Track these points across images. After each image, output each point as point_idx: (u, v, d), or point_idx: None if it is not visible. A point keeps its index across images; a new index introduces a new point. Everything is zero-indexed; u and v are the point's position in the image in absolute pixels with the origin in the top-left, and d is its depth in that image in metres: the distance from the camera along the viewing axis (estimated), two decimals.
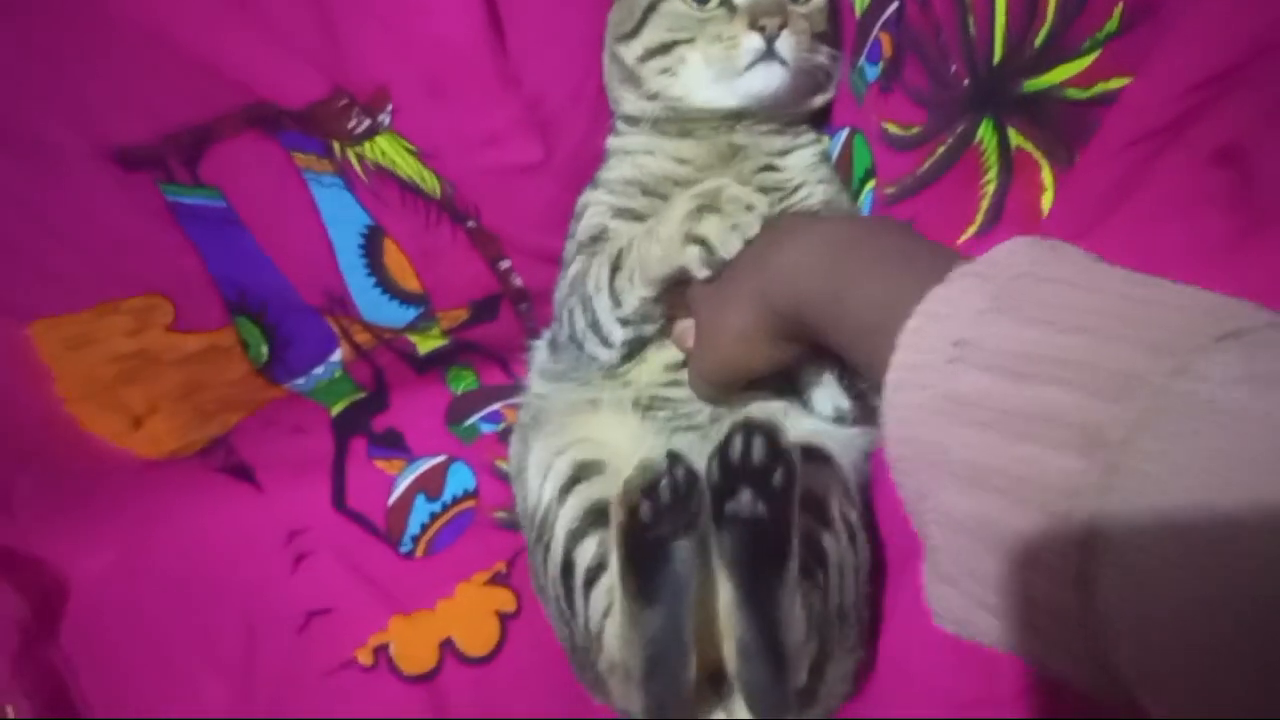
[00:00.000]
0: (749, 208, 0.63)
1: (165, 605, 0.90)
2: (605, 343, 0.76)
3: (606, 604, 0.70)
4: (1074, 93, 0.56)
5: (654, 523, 0.64)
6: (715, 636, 0.70)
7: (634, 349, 0.77)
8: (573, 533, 0.73)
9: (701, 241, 0.63)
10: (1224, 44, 0.48)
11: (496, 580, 0.94)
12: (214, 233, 0.87)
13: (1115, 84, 0.54)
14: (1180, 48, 0.50)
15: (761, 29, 0.74)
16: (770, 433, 0.63)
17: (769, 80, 0.77)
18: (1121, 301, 0.36)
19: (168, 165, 0.83)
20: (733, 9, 0.77)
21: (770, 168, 0.82)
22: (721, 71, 0.77)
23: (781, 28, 0.74)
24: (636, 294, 0.71)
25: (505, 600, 0.92)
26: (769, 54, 0.75)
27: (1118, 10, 0.52)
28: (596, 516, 0.72)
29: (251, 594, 0.91)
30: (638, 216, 0.79)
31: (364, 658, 0.88)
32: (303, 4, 0.79)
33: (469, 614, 0.91)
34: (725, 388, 0.70)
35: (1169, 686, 0.32)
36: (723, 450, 0.64)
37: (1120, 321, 0.34)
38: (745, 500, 0.63)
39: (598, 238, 0.81)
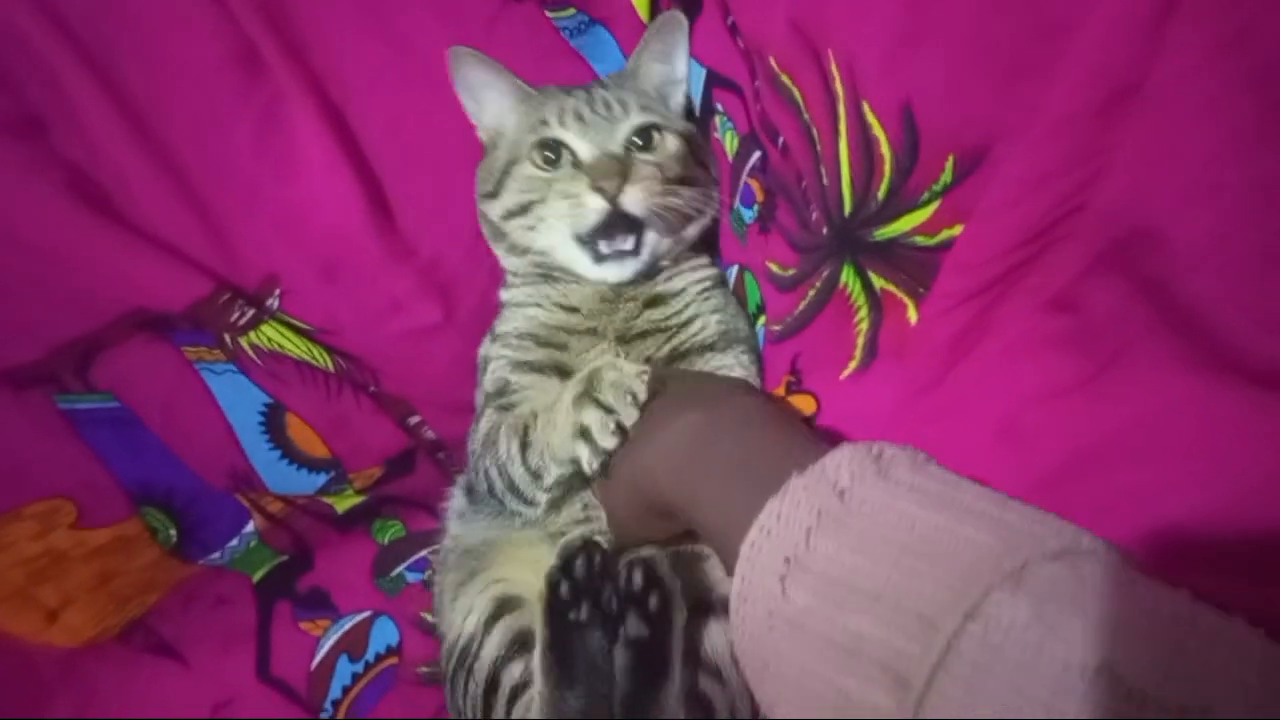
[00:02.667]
0: (628, 394, 0.65)
1: None
2: (530, 503, 0.77)
3: (528, 706, 0.71)
4: (922, 239, 0.58)
5: (573, 599, 0.64)
6: None
7: (558, 500, 0.77)
8: (499, 659, 0.74)
9: (585, 433, 0.66)
10: (1040, 206, 0.50)
11: None
12: (111, 434, 0.89)
13: (958, 230, 0.55)
14: (1000, 208, 0.52)
15: (601, 190, 0.76)
16: (648, 565, 0.64)
17: (622, 271, 0.80)
18: (926, 531, 0.38)
19: (59, 378, 0.85)
20: (579, 165, 0.79)
21: (658, 300, 0.83)
22: (574, 228, 0.79)
23: (623, 184, 0.76)
24: (553, 473, 0.73)
25: None
26: (616, 213, 0.77)
27: (949, 163, 0.54)
28: (521, 645, 0.74)
29: None
30: (537, 369, 0.81)
31: None
32: (183, 207, 0.81)
33: None
34: (640, 538, 0.73)
35: None
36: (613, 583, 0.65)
37: (924, 559, 0.37)
38: (630, 623, 0.64)
39: (502, 391, 0.82)
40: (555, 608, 0.66)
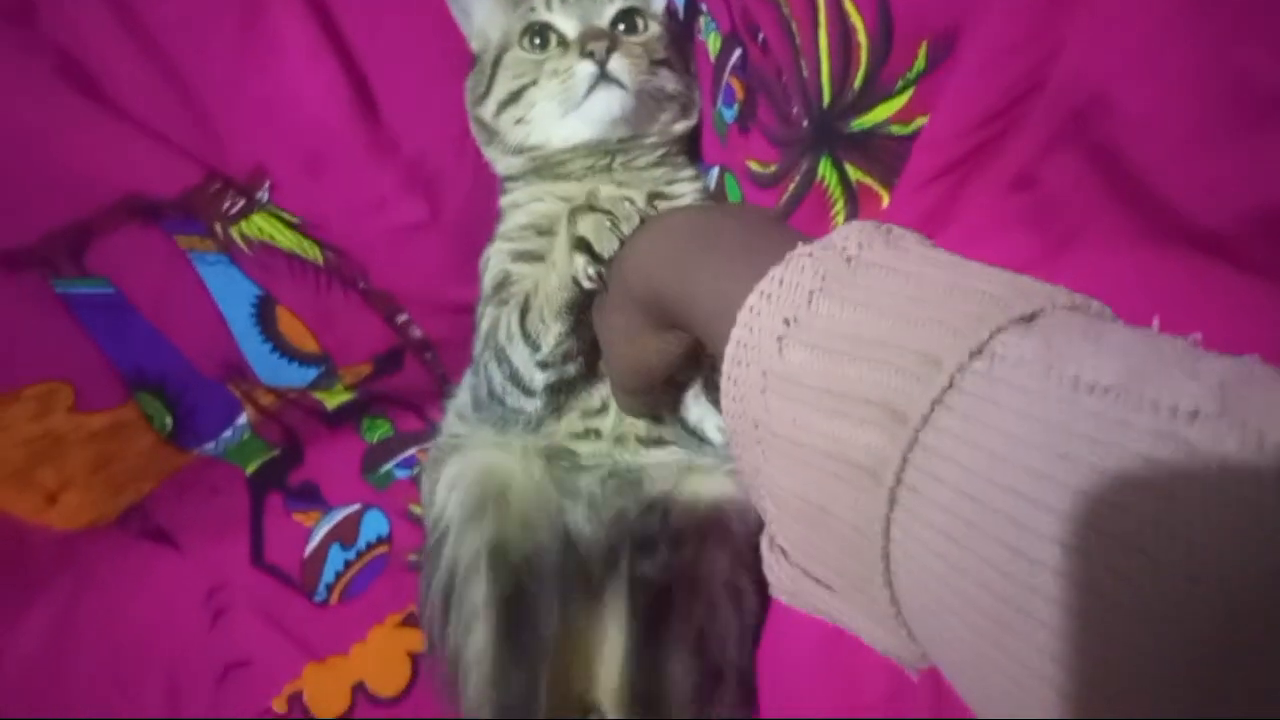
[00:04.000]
0: (627, 200, 0.63)
1: (92, 666, 0.93)
2: (527, 392, 0.76)
3: (475, 649, 0.73)
4: (897, 129, 0.59)
5: (532, 590, 0.68)
6: (593, 681, 0.74)
7: (557, 395, 0.77)
8: (468, 566, 0.75)
9: (583, 244, 0.63)
10: (1000, 84, 0.52)
11: (408, 621, 0.97)
12: (106, 318, 0.91)
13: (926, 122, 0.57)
14: (964, 88, 0.53)
15: (591, 54, 0.77)
16: (664, 505, 0.67)
17: (609, 103, 0.79)
18: (934, 286, 0.36)
19: (54, 261, 0.87)
20: (566, 45, 0.80)
21: (659, 197, 0.84)
22: (565, 104, 0.79)
23: (610, 51, 0.77)
24: (551, 331, 0.71)
25: (416, 640, 0.96)
26: (604, 77, 0.78)
27: (922, 50, 0.55)
28: (491, 558, 0.74)
29: (174, 650, 0.94)
30: (537, 257, 0.81)
31: (279, 706, 0.91)
32: (173, 98, 0.83)
33: (381, 656, 0.95)
34: (642, 394, 0.69)
35: (939, 646, 0.34)
36: (617, 519, 0.68)
37: (930, 305, 0.35)
38: (637, 561, 0.66)
39: (502, 284, 0.82)
40: (508, 595, 0.70)
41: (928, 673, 0.60)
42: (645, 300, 0.56)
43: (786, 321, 0.38)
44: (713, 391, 0.73)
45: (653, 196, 0.83)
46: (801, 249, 0.41)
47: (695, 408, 0.76)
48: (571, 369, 0.75)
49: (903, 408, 0.33)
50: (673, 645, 0.69)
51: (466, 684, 0.74)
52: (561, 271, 0.67)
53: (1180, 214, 0.47)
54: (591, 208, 0.63)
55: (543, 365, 0.74)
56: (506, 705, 0.70)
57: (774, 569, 0.43)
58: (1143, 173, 0.48)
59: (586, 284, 0.64)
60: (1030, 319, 0.33)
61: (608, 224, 0.61)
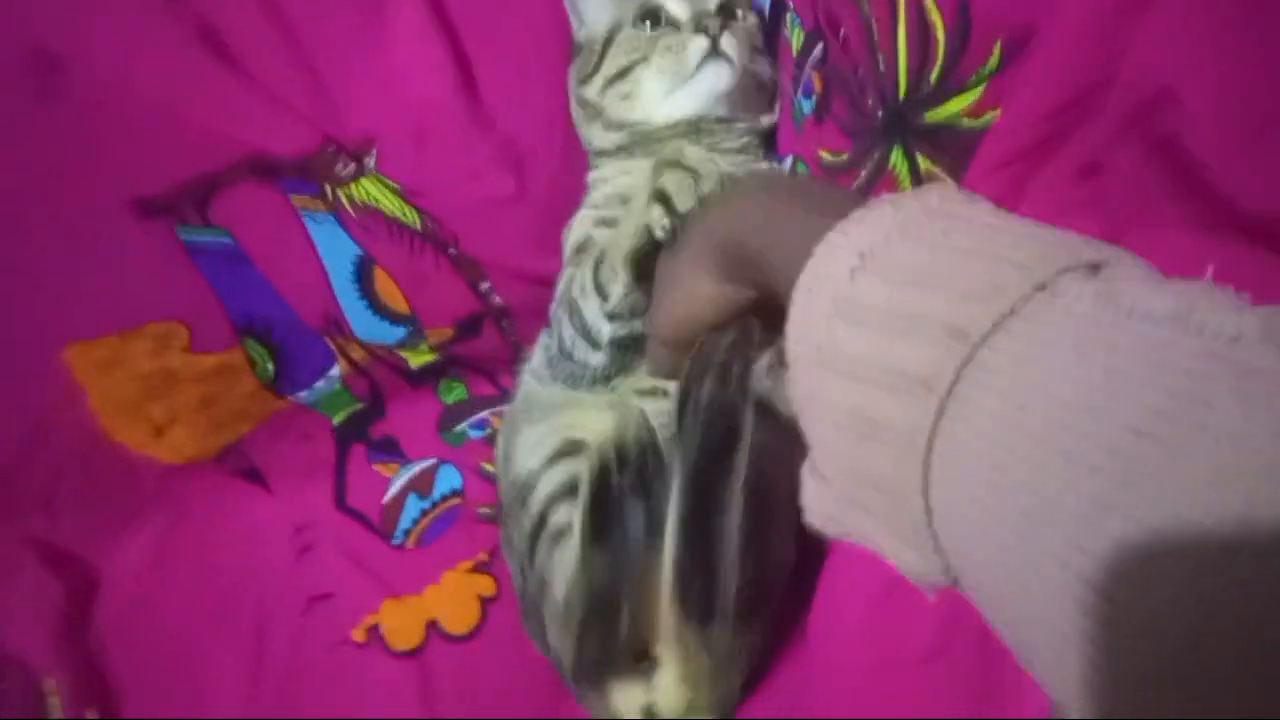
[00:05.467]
0: (711, 161, 0.67)
1: (187, 592, 1.01)
2: (595, 344, 0.80)
3: (566, 558, 0.77)
4: (968, 122, 0.62)
5: (619, 472, 0.70)
6: (651, 618, 0.75)
7: (623, 352, 0.80)
8: (551, 495, 0.79)
9: (663, 196, 0.65)
10: (1072, 79, 0.55)
11: (479, 568, 1.03)
12: (224, 267, 0.98)
13: (999, 114, 0.60)
14: (1036, 83, 0.57)
15: (705, 30, 0.83)
16: (739, 335, 0.64)
17: (718, 76, 0.85)
18: (1006, 234, 0.38)
19: (181, 210, 0.94)
20: (678, 25, 0.86)
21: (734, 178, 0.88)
22: (674, 78, 0.85)
23: (722, 29, 0.83)
24: (619, 280, 0.73)
25: (486, 585, 1.02)
26: (715, 52, 0.83)
27: (997, 47, 0.59)
28: (572, 489, 0.78)
29: (262, 581, 1.02)
30: (618, 224, 0.84)
31: (358, 635, 0.98)
32: (297, 67, 0.90)
33: (453, 597, 1.01)
34: (676, 348, 0.66)
35: (967, 558, 0.35)
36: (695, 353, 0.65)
37: (1002, 247, 0.36)
38: (706, 387, 0.64)
39: (582, 247, 0.86)
40: (601, 477, 0.71)
41: (970, 642, 0.64)
42: (725, 243, 0.56)
43: (861, 255, 0.39)
44: (778, 368, 0.75)
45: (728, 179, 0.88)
46: (885, 197, 0.43)
47: (766, 378, 0.80)
48: (638, 325, 0.77)
49: (964, 327, 0.34)
50: (730, 500, 0.68)
51: (551, 606, 0.78)
52: (638, 219, 0.69)
53: (1239, 205, 0.50)
54: (678, 163, 0.66)
55: (610, 316, 0.77)
56: (594, 594, 0.72)
57: (813, 494, 0.45)
58: (1204, 164, 0.51)
59: (659, 234, 0.65)
60: (1096, 268, 0.35)
61: (690, 181, 0.65)
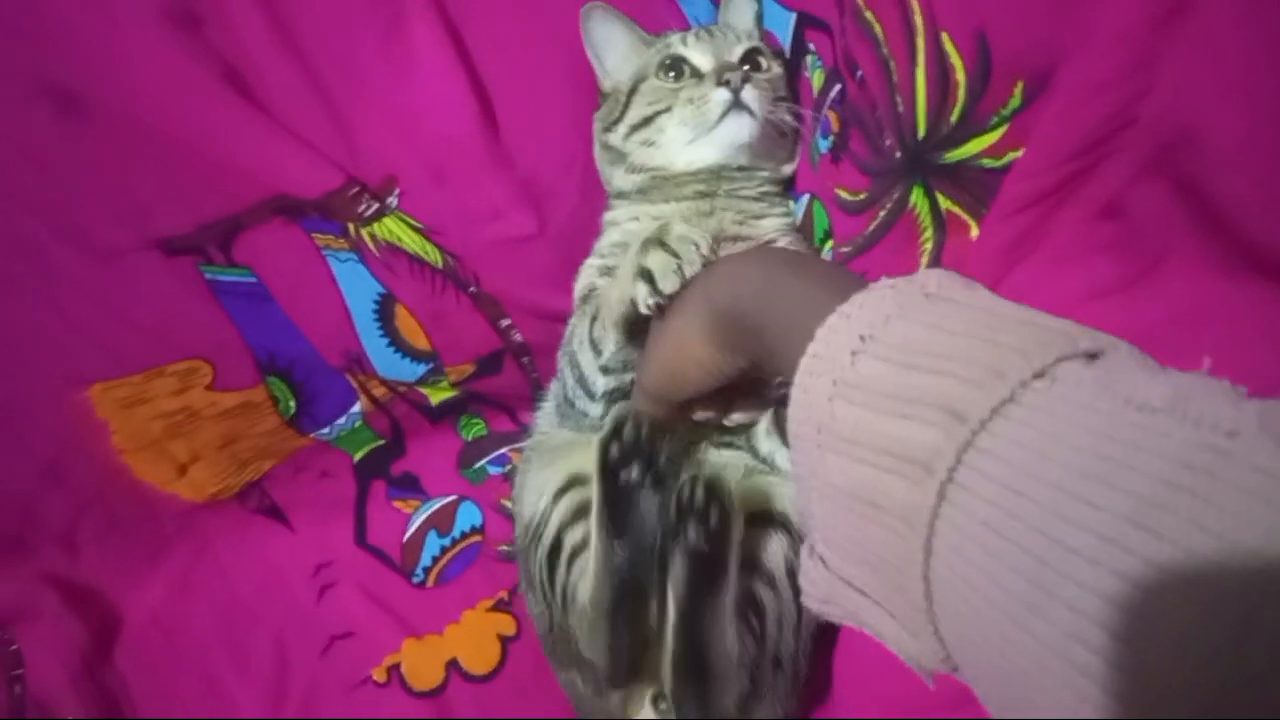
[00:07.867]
0: (694, 245, 0.66)
1: (207, 630, 1.01)
2: (590, 395, 0.81)
3: (587, 565, 0.78)
4: (988, 162, 0.62)
5: (622, 460, 0.70)
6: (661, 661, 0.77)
7: (617, 404, 0.81)
8: (563, 523, 0.80)
9: (647, 275, 0.65)
10: (1094, 120, 0.55)
11: (499, 607, 1.04)
12: (247, 305, 0.99)
13: (1021, 153, 0.60)
14: (1058, 124, 0.57)
15: (727, 83, 0.83)
16: (711, 483, 0.70)
17: (739, 129, 0.85)
18: (1006, 319, 0.39)
19: (205, 250, 0.95)
20: (701, 76, 0.87)
21: (749, 219, 0.89)
22: (696, 129, 0.85)
23: (745, 82, 0.84)
24: (610, 338, 0.75)
25: (506, 624, 1.02)
26: (737, 104, 0.84)
27: (1018, 88, 0.58)
28: (582, 512, 0.80)
29: (283, 620, 1.02)
30: None
31: (379, 675, 0.98)
32: (320, 111, 0.91)
33: (473, 637, 1.01)
34: (660, 403, 0.70)
35: (967, 643, 0.36)
36: (676, 495, 0.71)
37: (1001, 333, 0.38)
38: (690, 533, 0.69)
39: (587, 297, 0.87)
40: (608, 467, 0.71)
41: None
42: (724, 310, 0.58)
43: (862, 338, 0.41)
44: (781, 426, 0.76)
45: (738, 223, 0.88)
46: (884, 281, 0.44)
47: (766, 442, 0.80)
48: (629, 378, 0.78)
49: (963, 410, 0.35)
50: (720, 617, 0.72)
51: (579, 614, 0.78)
52: (623, 290, 0.70)
53: (1260, 246, 0.50)
54: (661, 243, 0.67)
55: (604, 370, 0.78)
56: (618, 585, 0.74)
57: (810, 575, 0.46)
58: (1225, 205, 0.51)
59: (644, 310, 0.67)
60: (1094, 356, 0.36)
61: (674, 267, 0.65)
